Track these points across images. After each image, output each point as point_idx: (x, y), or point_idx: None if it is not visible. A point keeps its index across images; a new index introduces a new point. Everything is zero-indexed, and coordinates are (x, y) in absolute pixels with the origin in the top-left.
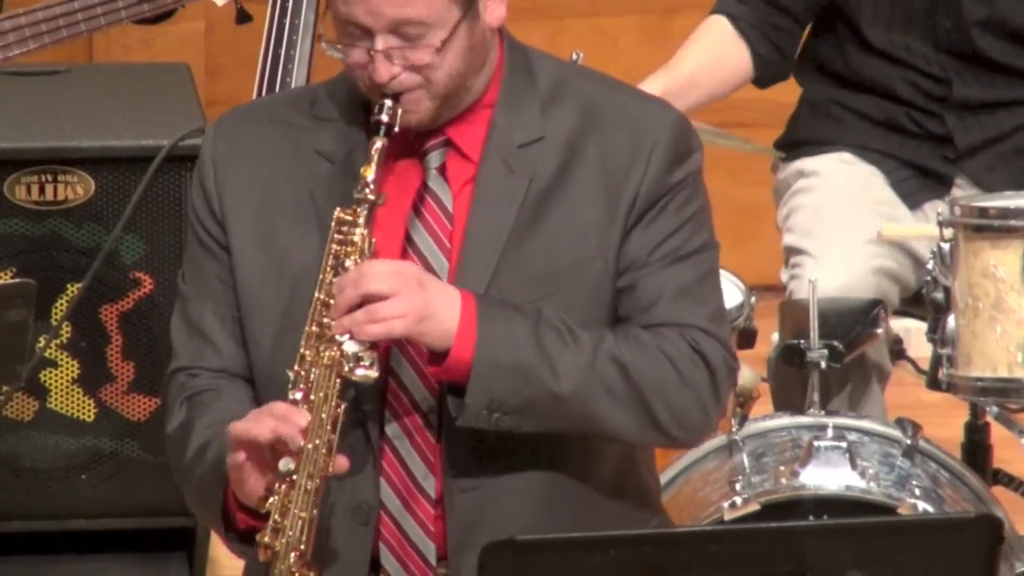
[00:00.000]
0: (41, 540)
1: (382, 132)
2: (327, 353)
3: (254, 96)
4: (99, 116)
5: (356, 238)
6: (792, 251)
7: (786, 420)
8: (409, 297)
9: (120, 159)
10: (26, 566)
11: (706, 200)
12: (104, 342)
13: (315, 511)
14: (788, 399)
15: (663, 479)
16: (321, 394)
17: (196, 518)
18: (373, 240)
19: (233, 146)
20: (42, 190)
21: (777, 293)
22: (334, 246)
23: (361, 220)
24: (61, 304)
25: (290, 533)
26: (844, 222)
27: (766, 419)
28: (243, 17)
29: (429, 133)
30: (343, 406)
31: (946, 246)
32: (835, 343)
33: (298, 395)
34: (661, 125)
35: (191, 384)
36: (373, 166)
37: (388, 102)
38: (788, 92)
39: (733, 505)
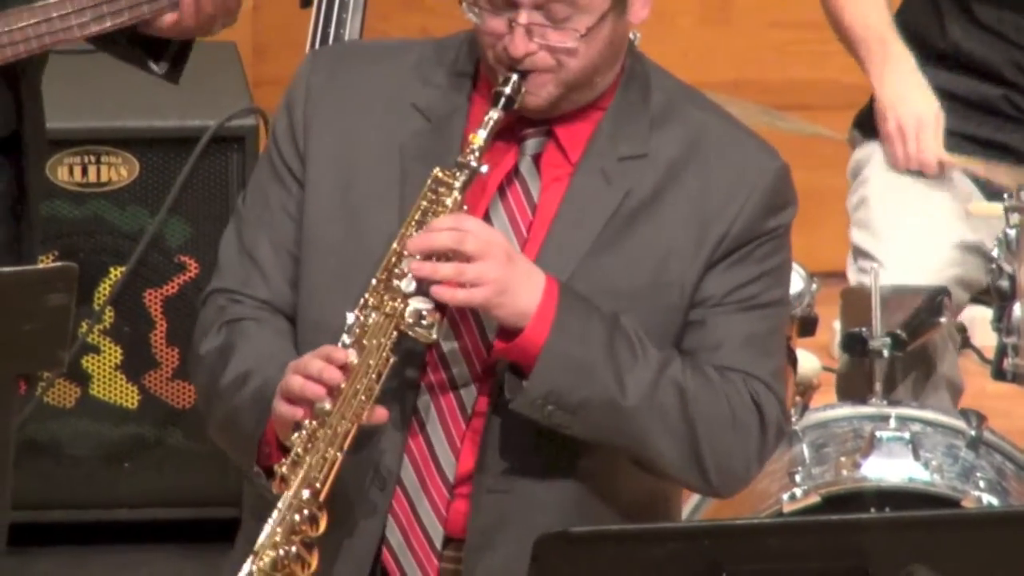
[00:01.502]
0: (82, 530)
1: (501, 104)
2: (390, 303)
3: None
4: (144, 96)
5: (448, 201)
6: (860, 252)
7: (847, 410)
8: (497, 266)
9: (165, 140)
10: (67, 557)
11: (789, 258)
12: (148, 327)
13: (339, 454)
14: (849, 388)
15: None
16: (374, 341)
17: (242, 509)
18: (466, 207)
19: (330, 81)
20: (85, 171)
21: (839, 280)
22: (424, 203)
23: (457, 184)
24: (104, 288)
25: (309, 469)
26: (915, 229)
27: (827, 409)
28: (307, 1)
29: (533, 121)
30: (393, 359)
31: (1012, 232)
32: (898, 331)
33: (351, 340)
34: (765, 170)
35: (232, 310)
36: (483, 133)
37: (515, 77)
38: (851, 72)
39: (793, 497)
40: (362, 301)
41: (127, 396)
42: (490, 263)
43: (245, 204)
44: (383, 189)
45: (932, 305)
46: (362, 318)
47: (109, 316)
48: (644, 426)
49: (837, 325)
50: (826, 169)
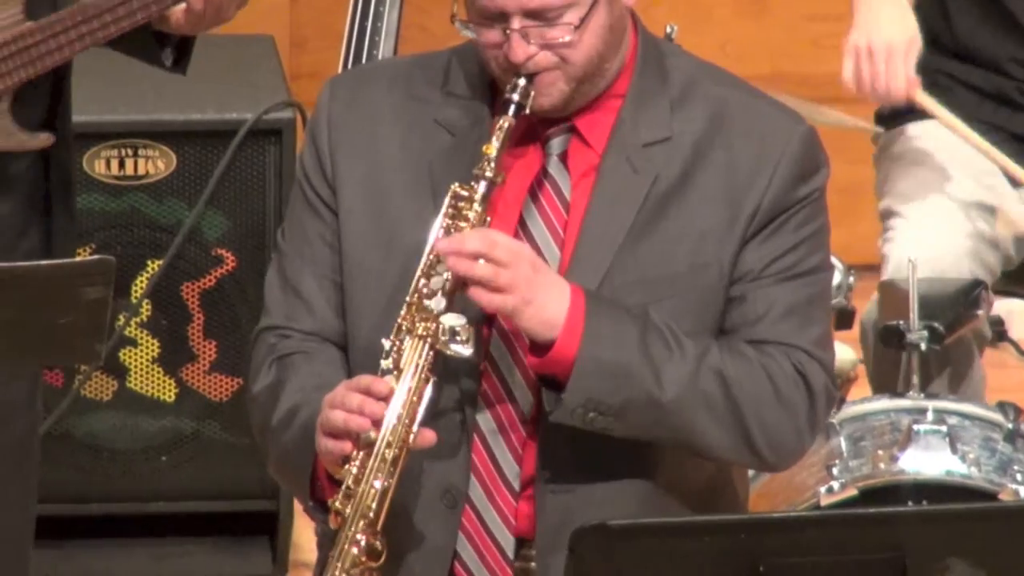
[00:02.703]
0: (120, 523)
1: (511, 111)
2: (423, 324)
3: (340, 69)
4: (181, 89)
5: (471, 215)
6: (887, 214)
7: (885, 403)
8: (523, 275)
9: (202, 133)
10: (105, 549)
11: (826, 220)
12: (185, 320)
13: (391, 481)
14: (885, 381)
15: None
16: (411, 364)
17: (279, 502)
18: (488, 219)
19: (350, 107)
20: (122, 164)
21: (876, 273)
22: (446, 220)
23: (477, 197)
24: (141, 281)
25: (361, 499)
26: (942, 187)
27: (864, 402)
28: None
29: (554, 119)
30: (432, 379)
31: None
32: (935, 324)
33: (389, 363)
34: (790, 138)
35: (282, 345)
36: (496, 143)
37: (522, 81)
38: None
39: (830, 490)
40: (396, 326)
41: (164, 389)
42: (516, 271)
43: (284, 239)
44: (416, 208)
45: (969, 298)
46: (397, 343)
47: (146, 309)
48: (689, 418)
49: (869, 315)
50: (863, 163)
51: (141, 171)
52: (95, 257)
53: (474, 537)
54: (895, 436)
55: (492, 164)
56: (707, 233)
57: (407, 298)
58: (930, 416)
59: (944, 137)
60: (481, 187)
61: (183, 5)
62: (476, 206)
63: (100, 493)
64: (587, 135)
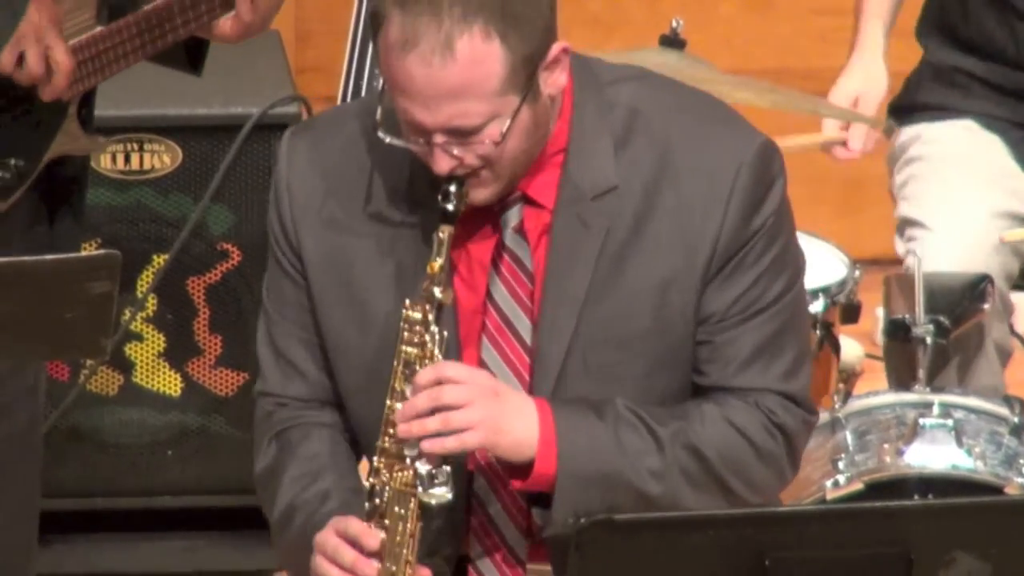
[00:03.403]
0: (126, 518)
1: (449, 220)
2: (399, 475)
3: (344, 63)
4: (186, 84)
5: (427, 339)
6: (908, 222)
7: (890, 397)
8: (484, 407)
9: (208, 127)
10: (110, 544)
11: (788, 233)
12: (191, 315)
13: None
14: (893, 375)
15: None
16: (396, 512)
17: None
18: (445, 336)
19: (309, 171)
20: (128, 159)
21: (882, 266)
22: (404, 348)
23: (431, 318)
24: (147, 276)
25: None
26: (963, 194)
27: (870, 396)
28: None
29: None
30: (420, 525)
31: None
32: (941, 318)
33: (372, 507)
34: (739, 169)
35: (278, 416)
36: (440, 259)
37: (452, 188)
38: (894, 60)
39: (836, 484)
40: (373, 467)
41: (170, 384)
42: (476, 405)
43: (268, 298)
44: (379, 274)
45: (976, 291)
46: (378, 487)
47: (152, 304)
48: (675, 497)
49: (880, 312)
50: (868, 157)
51: (147, 166)
52: (101, 252)
53: None
54: (901, 430)
55: (439, 283)
56: (668, 283)
57: (379, 441)
58: (936, 410)
59: (964, 139)
60: (432, 308)
61: (232, 13)
62: (432, 328)
63: (106, 488)
64: (537, 198)
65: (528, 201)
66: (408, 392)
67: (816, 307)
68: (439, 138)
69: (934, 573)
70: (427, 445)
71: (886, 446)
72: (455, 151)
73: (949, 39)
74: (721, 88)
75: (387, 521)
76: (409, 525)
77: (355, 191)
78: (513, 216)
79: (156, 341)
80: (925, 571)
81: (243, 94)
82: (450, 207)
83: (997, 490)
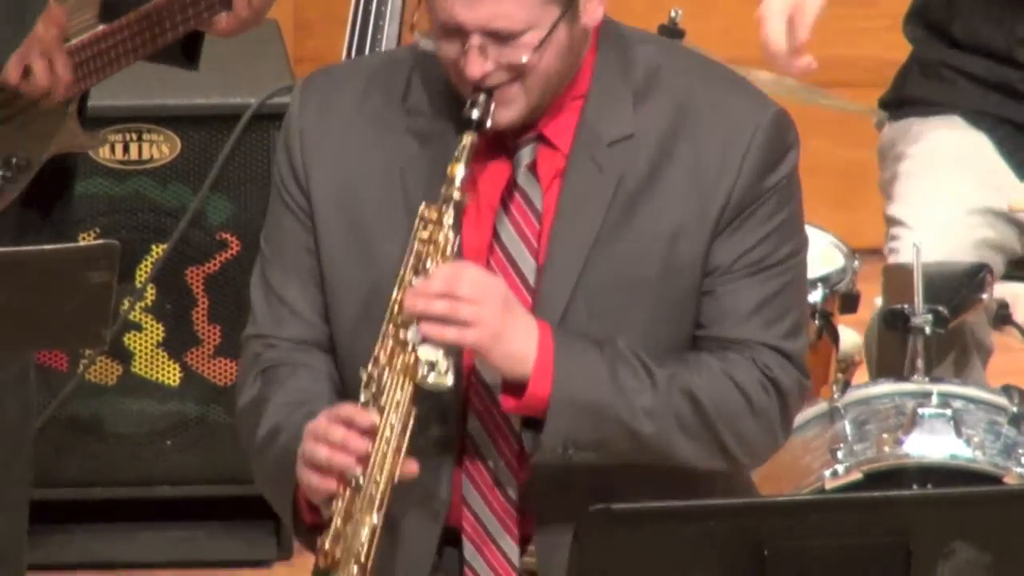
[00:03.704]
0: (125, 508)
1: (473, 127)
2: (400, 358)
3: (344, 53)
4: (185, 73)
5: (440, 238)
6: (892, 221)
7: (889, 387)
8: (492, 311)
9: (207, 117)
10: (109, 534)
11: (798, 202)
12: (189, 305)
13: (378, 519)
14: (889, 365)
15: None
16: (393, 398)
17: None
18: (459, 238)
19: (320, 116)
20: (126, 149)
21: (881, 256)
22: (416, 244)
23: (446, 220)
24: (145, 266)
25: (352, 541)
26: (946, 193)
27: (869, 386)
28: None
29: (520, 128)
30: (414, 412)
31: None
32: (940, 308)
33: (369, 395)
34: (756, 128)
35: (267, 356)
36: (461, 164)
37: (481, 97)
38: (892, 49)
39: (835, 474)
40: (373, 355)
41: (169, 374)
42: (485, 307)
43: (267, 242)
44: (389, 217)
45: (974, 281)
46: (376, 373)
47: (151, 294)
48: (666, 442)
49: (879, 301)
50: (868, 147)
51: (145, 155)
52: (99, 242)
53: (478, 543)
54: (900, 420)
55: (458, 185)
56: (679, 232)
57: (382, 327)
58: (935, 400)
59: (950, 138)
60: (449, 210)
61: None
62: (447, 230)
63: (105, 477)
64: (553, 138)
65: (544, 141)
66: (416, 283)
67: (815, 297)
68: (476, 39)
69: (933, 563)
70: (427, 328)
71: (885, 436)
72: (490, 56)
73: (936, 33)
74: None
75: (383, 403)
76: (403, 412)
77: (368, 133)
78: (527, 155)
79: (155, 331)
80: (924, 561)
81: (242, 84)
82: (476, 114)
83: (996, 480)
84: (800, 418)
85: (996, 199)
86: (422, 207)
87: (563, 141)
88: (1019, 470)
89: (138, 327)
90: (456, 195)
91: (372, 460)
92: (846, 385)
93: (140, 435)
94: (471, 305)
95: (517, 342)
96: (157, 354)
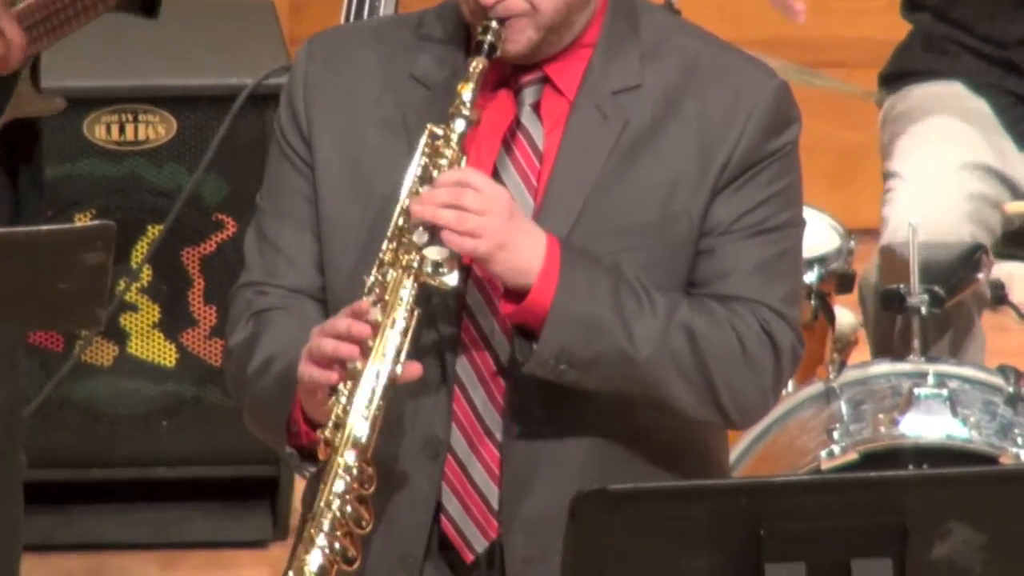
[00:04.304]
0: (121, 488)
1: (484, 52)
2: (406, 257)
3: None
4: (181, 54)
5: (448, 152)
6: (887, 175)
7: (885, 367)
8: (498, 221)
9: (202, 98)
10: (105, 515)
11: (798, 175)
12: (185, 286)
13: (380, 411)
14: (885, 345)
15: (760, 427)
16: (397, 297)
17: (280, 467)
18: (465, 156)
19: (326, 65)
20: (122, 130)
21: (877, 237)
22: (423, 159)
23: (454, 136)
24: (141, 247)
25: (351, 427)
26: (942, 146)
27: (865, 366)
28: None
29: (526, 68)
30: (418, 312)
31: None
32: (936, 288)
33: (372, 298)
34: (763, 90)
35: (259, 301)
36: (471, 84)
37: (494, 24)
38: (888, 30)
39: (831, 454)
40: (378, 260)
41: (165, 354)
42: (491, 218)
43: (263, 198)
44: (392, 160)
45: (970, 261)
46: (380, 276)
47: (147, 274)
48: (657, 374)
49: (871, 278)
50: (864, 128)
51: (141, 136)
52: (95, 222)
53: (458, 489)
54: (896, 400)
55: (468, 103)
56: (678, 183)
57: (388, 232)
58: (931, 380)
59: (948, 97)
60: (457, 125)
61: None
62: (453, 144)
63: (100, 458)
64: (559, 83)
65: (549, 83)
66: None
67: (811, 277)
68: None
69: (929, 543)
70: (446, 234)
71: (881, 416)
72: None
73: (936, 16)
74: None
75: (387, 298)
76: (407, 308)
77: (373, 80)
78: (531, 94)
79: (151, 312)
80: (920, 541)
81: (238, 65)
82: (488, 38)
83: (992, 460)
84: (796, 398)
85: (992, 157)
86: (431, 125)
87: (569, 87)
88: (1015, 450)
89: (134, 308)
90: (465, 111)
91: (374, 353)
92: (842, 365)
93: (136, 416)
94: (477, 216)
95: (522, 252)
96: (153, 335)
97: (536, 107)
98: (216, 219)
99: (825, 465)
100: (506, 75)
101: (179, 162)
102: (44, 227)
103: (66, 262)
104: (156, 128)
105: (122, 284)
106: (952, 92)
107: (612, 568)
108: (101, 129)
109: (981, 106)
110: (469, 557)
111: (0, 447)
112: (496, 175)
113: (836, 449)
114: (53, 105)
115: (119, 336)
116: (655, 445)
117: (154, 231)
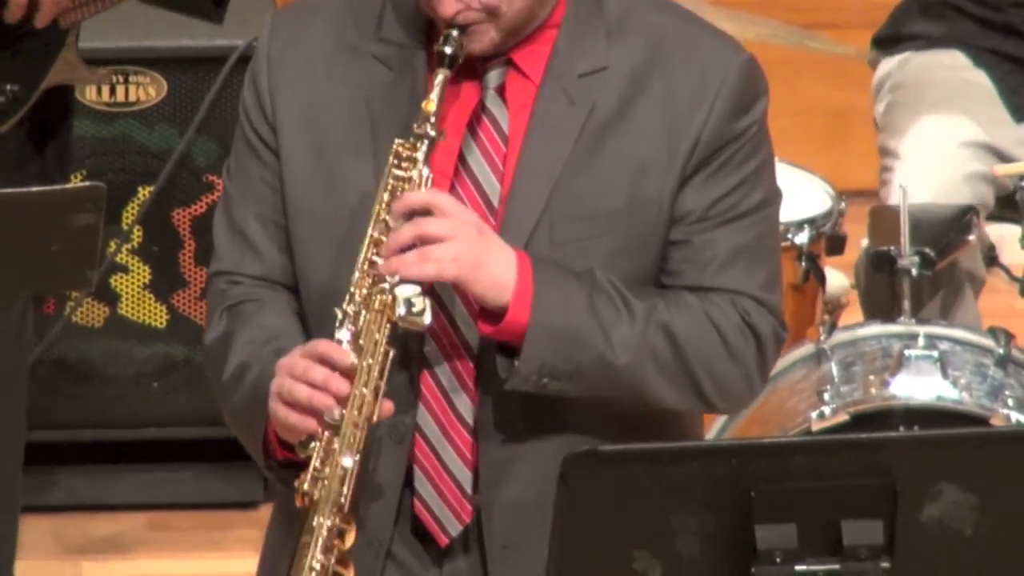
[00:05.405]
0: (111, 449)
1: (446, 63)
2: (378, 298)
3: None
4: (172, 15)
5: (414, 175)
6: (884, 152)
7: (876, 329)
8: (466, 242)
9: (193, 59)
10: (96, 475)
11: (769, 151)
12: (176, 247)
13: (356, 460)
14: (877, 306)
15: None
16: (371, 339)
17: None
18: (431, 176)
19: (289, 45)
20: (113, 91)
21: (868, 198)
22: (391, 181)
23: (420, 156)
24: (132, 208)
25: (331, 482)
26: (940, 125)
27: (855, 327)
28: None
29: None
30: (392, 352)
31: None
32: (926, 250)
33: (346, 335)
34: (729, 69)
35: (232, 293)
36: (435, 99)
37: (454, 33)
38: None
39: (821, 415)
40: (348, 295)
41: (156, 315)
42: (458, 239)
43: (230, 179)
44: (355, 143)
45: (960, 223)
46: (352, 313)
47: (137, 236)
48: (640, 377)
49: (865, 243)
50: (853, 88)
51: (132, 98)
52: (86, 183)
53: (431, 473)
54: (886, 361)
55: (432, 121)
56: (647, 166)
57: (357, 265)
58: (921, 341)
59: (948, 73)
60: (423, 146)
61: None
62: (420, 166)
63: (92, 419)
64: (524, 67)
65: (514, 68)
66: (391, 221)
67: (801, 238)
68: None
69: (920, 504)
70: (405, 270)
71: (871, 377)
72: None
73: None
74: (706, 19)
75: (361, 342)
76: (380, 353)
77: (336, 60)
78: (495, 78)
79: (141, 273)
80: (910, 502)
81: (228, 26)
82: (448, 50)
83: (982, 421)
84: (786, 360)
85: (989, 136)
86: (396, 143)
87: (534, 70)
88: (1005, 412)
89: (125, 269)
90: (431, 131)
91: (351, 402)
92: (832, 327)
93: (127, 377)
94: (444, 244)
95: (496, 270)
96: (144, 296)
97: (500, 90)
98: (207, 180)
99: (815, 426)
100: (470, 59)
101: (170, 123)
102: (35, 188)
103: (56, 223)
104: (147, 89)
105: (113, 245)
106: (952, 63)
107: (603, 529)
108: (92, 90)
109: (980, 78)
110: (444, 541)
111: (4, 405)
112: (462, 159)
113: (826, 410)
114: (95, 75)
115: (110, 297)
116: (633, 427)
117: (145, 192)
